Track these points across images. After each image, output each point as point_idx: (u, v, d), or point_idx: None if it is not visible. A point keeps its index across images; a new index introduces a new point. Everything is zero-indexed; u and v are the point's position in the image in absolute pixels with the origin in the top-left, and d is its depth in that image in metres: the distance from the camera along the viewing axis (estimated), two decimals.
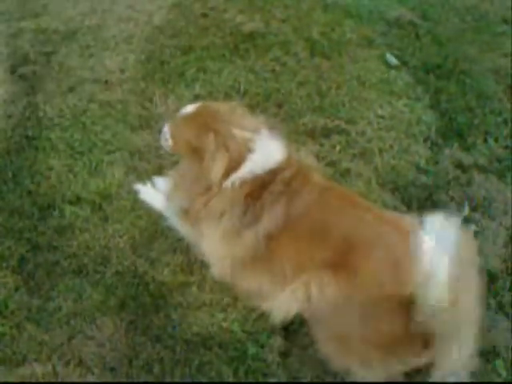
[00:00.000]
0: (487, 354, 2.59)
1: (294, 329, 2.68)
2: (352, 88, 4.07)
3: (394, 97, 4.02)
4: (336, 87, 4.07)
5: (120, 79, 4.20)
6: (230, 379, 2.53)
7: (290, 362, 2.60)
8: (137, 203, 3.28)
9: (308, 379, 2.52)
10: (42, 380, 2.55)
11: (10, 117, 3.95)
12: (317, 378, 2.52)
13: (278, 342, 2.65)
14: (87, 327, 2.74)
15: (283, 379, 2.54)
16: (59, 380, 2.55)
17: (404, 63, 4.31)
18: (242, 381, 2.53)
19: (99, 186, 3.39)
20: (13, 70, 4.38)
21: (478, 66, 4.32)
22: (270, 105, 3.92)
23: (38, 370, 2.58)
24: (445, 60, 4.32)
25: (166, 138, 2.71)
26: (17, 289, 2.90)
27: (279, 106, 3.93)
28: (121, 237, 3.13)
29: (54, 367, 2.60)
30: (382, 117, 3.85)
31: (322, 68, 4.25)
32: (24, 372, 2.57)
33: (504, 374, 2.54)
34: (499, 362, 2.59)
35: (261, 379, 2.53)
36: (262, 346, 2.63)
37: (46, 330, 2.73)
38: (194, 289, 2.86)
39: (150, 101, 3.98)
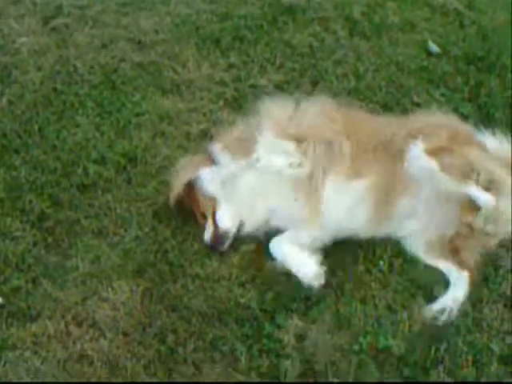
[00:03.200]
0: (505, 357, 2.51)
1: (313, 313, 2.62)
2: (390, 72, 3.95)
3: (432, 85, 3.90)
4: (374, 70, 3.96)
5: (154, 41, 4.13)
6: (243, 356, 2.48)
7: (305, 345, 2.54)
8: (162, 168, 3.24)
9: (322, 364, 2.47)
10: (53, 337, 2.53)
11: (39, 69, 3.91)
12: (331, 365, 2.47)
13: (295, 323, 2.59)
14: (103, 289, 2.71)
15: (296, 362, 2.49)
16: (71, 339, 2.53)
17: (445, 52, 4.18)
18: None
19: (125, 147, 3.35)
20: (45, 22, 4.32)
21: None
22: (304, 81, 3.83)
23: (51, 327, 2.56)
24: (488, 52, 4.17)
25: None
26: (35, 244, 2.89)
27: (314, 83, 3.83)
28: (143, 201, 3.09)
29: (66, 326, 2.58)
30: (418, 104, 3.74)
31: (360, 49, 4.14)
32: (37, 328, 2.55)
33: None
34: None
35: (274, 359, 2.48)
36: (279, 327, 2.58)
37: (61, 288, 2.71)
38: (214, 261, 2.82)
39: (183, 65, 3.91)
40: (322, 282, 2.71)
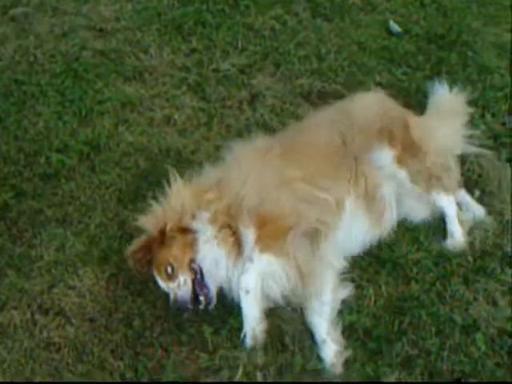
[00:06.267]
0: (467, 327, 2.58)
1: None
2: (352, 53, 3.98)
3: (393, 65, 3.93)
4: (336, 51, 3.98)
5: (115, 28, 4.10)
6: (210, 338, 2.50)
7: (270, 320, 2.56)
8: (125, 155, 3.24)
9: (289, 335, 2.50)
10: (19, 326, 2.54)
11: None
12: (298, 333, 2.51)
13: None
14: (68, 277, 2.72)
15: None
16: (37, 328, 2.53)
17: (406, 31, 4.21)
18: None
19: (88, 135, 3.34)
20: (4, 12, 4.26)
21: (481, 39, 4.22)
22: (267, 64, 3.85)
23: (17, 317, 2.57)
24: (448, 31, 4.21)
25: None
26: None
27: (277, 65, 3.85)
28: (107, 188, 3.09)
29: (32, 315, 2.58)
30: (381, 84, 3.78)
31: (322, 30, 4.15)
32: (2, 319, 2.56)
33: (483, 347, 2.53)
34: (479, 336, 2.58)
35: (242, 338, 2.51)
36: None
37: (26, 278, 2.71)
38: None
39: (145, 52, 3.90)
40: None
